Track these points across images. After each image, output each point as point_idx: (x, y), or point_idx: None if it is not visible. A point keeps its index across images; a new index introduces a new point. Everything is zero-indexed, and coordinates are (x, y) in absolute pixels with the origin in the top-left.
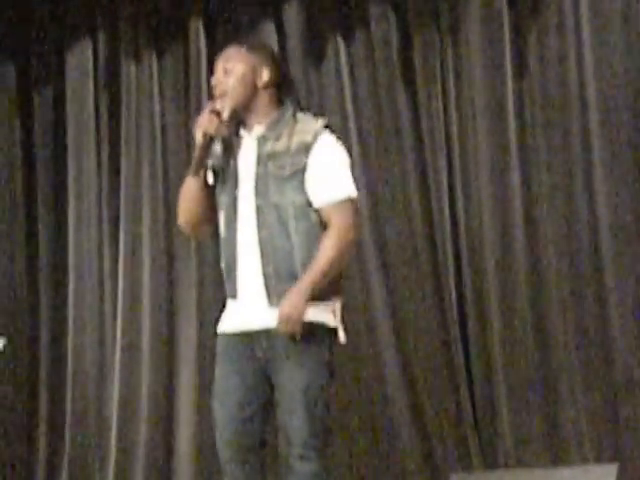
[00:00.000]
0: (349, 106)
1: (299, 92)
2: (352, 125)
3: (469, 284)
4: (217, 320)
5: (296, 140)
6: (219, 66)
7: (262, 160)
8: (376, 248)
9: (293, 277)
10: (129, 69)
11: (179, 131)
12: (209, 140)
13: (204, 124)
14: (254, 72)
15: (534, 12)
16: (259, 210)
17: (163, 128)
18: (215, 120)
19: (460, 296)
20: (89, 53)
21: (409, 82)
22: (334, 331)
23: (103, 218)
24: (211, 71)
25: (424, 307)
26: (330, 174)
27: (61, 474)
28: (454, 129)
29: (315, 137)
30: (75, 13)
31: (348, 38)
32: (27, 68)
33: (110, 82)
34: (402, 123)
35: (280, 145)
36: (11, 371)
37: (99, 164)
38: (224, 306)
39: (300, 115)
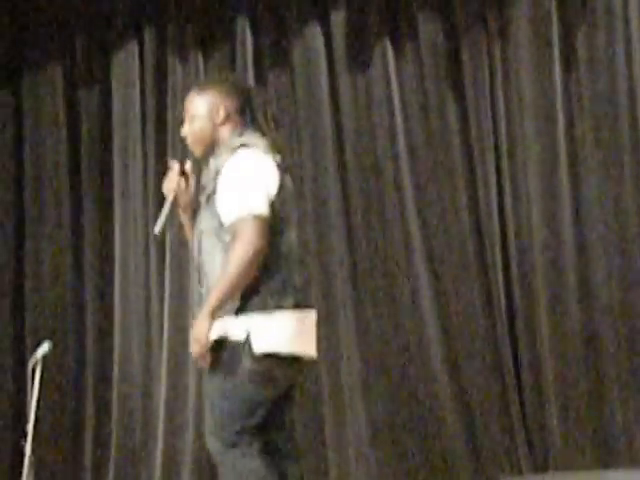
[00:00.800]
0: (397, 108)
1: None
2: (400, 127)
3: (518, 287)
4: None
5: (212, 167)
6: (185, 115)
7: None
8: (424, 250)
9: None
10: (175, 69)
11: None
12: (175, 198)
13: (170, 186)
14: (211, 112)
15: (582, 11)
16: (197, 237)
17: None
18: (179, 179)
19: (509, 298)
20: (136, 54)
21: (457, 84)
22: (247, 342)
23: (149, 219)
24: (257, 74)
25: (473, 310)
26: (229, 194)
27: (107, 478)
28: (502, 130)
29: (226, 160)
30: (122, 14)
31: (395, 41)
32: (73, 69)
33: (157, 82)
34: (450, 125)
35: (205, 174)
36: (57, 374)
37: (145, 164)
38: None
39: (235, 138)
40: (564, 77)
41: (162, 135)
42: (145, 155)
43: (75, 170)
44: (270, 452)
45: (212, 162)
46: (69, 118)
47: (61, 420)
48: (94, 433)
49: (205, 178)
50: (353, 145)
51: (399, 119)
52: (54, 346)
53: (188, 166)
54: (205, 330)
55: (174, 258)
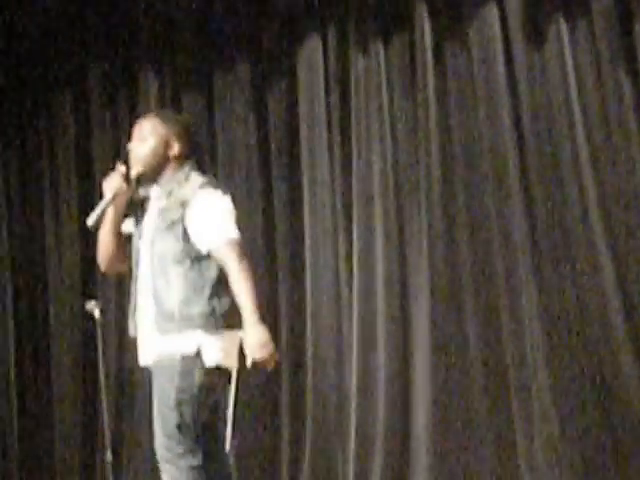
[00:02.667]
0: (572, 86)
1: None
2: (575, 104)
3: None
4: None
5: (178, 196)
6: (135, 132)
7: (156, 215)
8: (604, 226)
9: (174, 313)
10: (357, 62)
11: (407, 120)
12: (115, 197)
13: (112, 185)
14: (166, 144)
15: None
16: (152, 257)
17: (392, 118)
18: (122, 182)
19: None
20: (319, 48)
21: (632, 60)
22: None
23: (337, 211)
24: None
25: None
26: (209, 222)
27: (304, 459)
28: None
29: (193, 193)
30: (305, 10)
31: (570, 19)
32: (260, 65)
33: (340, 76)
34: (625, 102)
35: (168, 201)
36: (252, 371)
37: (331, 157)
38: None
39: (193, 175)
40: None
41: (347, 126)
42: (330, 147)
43: (265, 165)
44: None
45: (174, 191)
46: (257, 114)
47: (258, 405)
48: (290, 416)
49: (160, 202)
50: (530, 124)
51: (574, 97)
52: None
53: (133, 173)
54: (266, 335)
55: (361, 248)
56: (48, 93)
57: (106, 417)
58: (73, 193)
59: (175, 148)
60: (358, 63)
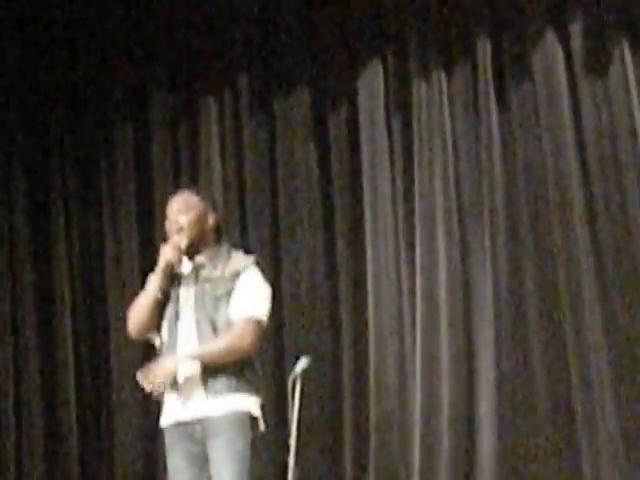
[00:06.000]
0: (637, 113)
1: None
2: None
3: None
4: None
5: (229, 269)
6: (173, 207)
7: (200, 282)
8: None
9: (226, 375)
10: (419, 87)
11: (470, 145)
12: (170, 267)
13: (167, 254)
14: (205, 215)
15: None
16: (198, 322)
17: (454, 143)
18: (177, 252)
19: None
20: (380, 74)
21: None
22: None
23: (399, 233)
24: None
25: None
26: (248, 296)
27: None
28: None
29: (245, 267)
30: (366, 35)
31: (633, 43)
32: (321, 92)
33: (401, 102)
34: None
35: (215, 272)
36: (316, 390)
37: (393, 183)
38: None
39: (233, 251)
40: None
41: (409, 152)
42: (393, 173)
43: (326, 190)
44: None
45: (220, 264)
46: (318, 141)
47: (320, 434)
48: (352, 445)
49: (208, 272)
50: (594, 150)
51: (639, 123)
52: (313, 361)
53: (182, 245)
54: (166, 370)
55: (424, 268)
56: (109, 121)
57: None
58: (133, 221)
59: (211, 219)
60: (420, 90)
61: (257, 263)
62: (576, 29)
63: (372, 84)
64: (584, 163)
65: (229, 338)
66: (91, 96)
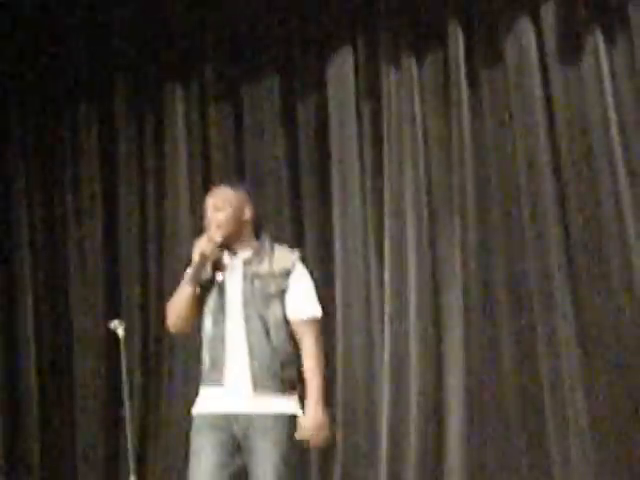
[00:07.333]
0: (609, 99)
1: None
2: (613, 119)
3: None
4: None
5: (277, 265)
6: (210, 203)
7: (247, 278)
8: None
9: (276, 374)
10: (389, 74)
11: (440, 133)
12: (204, 260)
13: (202, 247)
14: (241, 209)
15: None
16: (247, 318)
17: (425, 130)
18: (210, 245)
19: None
20: (350, 62)
21: None
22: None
23: (367, 220)
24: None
25: None
26: (305, 296)
27: (333, 477)
28: None
29: (293, 265)
30: (335, 24)
31: (606, 31)
32: (290, 79)
33: (371, 89)
34: None
35: (263, 268)
36: None
37: (362, 169)
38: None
39: (276, 245)
40: None
41: (378, 140)
42: (361, 159)
43: (294, 178)
44: None
45: (266, 259)
46: (286, 128)
47: None
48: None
49: (255, 267)
50: (566, 138)
51: (612, 111)
52: None
53: (217, 238)
54: (324, 418)
55: (392, 258)
56: (73, 106)
57: (130, 440)
58: (97, 205)
59: (247, 213)
60: (390, 77)
61: (302, 259)
62: (549, 15)
63: (342, 70)
64: (555, 150)
65: (314, 342)
66: (56, 84)
